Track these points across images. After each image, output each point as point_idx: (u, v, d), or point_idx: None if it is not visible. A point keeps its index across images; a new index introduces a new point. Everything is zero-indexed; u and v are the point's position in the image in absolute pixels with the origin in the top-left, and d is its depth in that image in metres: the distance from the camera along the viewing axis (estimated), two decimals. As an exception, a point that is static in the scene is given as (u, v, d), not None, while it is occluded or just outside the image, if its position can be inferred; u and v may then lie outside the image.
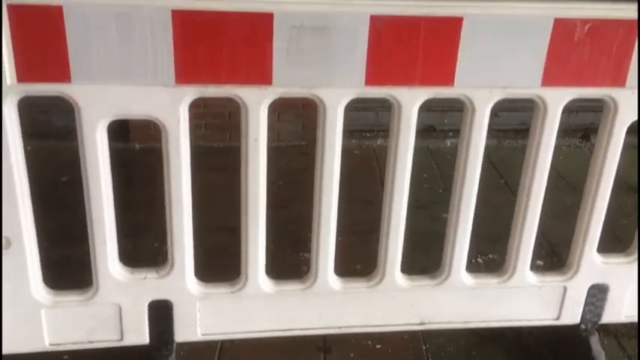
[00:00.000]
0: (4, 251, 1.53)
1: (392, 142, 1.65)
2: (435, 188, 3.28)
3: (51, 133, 3.48)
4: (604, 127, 1.68)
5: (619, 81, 1.57)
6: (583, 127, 3.68)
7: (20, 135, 1.46)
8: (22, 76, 1.37)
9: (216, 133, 3.68)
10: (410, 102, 1.58)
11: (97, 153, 1.52)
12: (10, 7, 1.31)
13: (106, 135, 1.52)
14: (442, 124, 3.78)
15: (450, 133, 3.73)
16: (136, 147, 3.61)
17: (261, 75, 1.49)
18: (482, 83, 1.56)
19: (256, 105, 1.54)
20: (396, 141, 1.64)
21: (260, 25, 1.45)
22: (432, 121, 3.74)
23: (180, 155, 1.57)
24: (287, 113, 3.66)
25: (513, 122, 3.70)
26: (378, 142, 3.75)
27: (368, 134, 3.77)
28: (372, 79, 1.54)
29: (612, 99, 1.60)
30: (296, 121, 3.70)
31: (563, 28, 1.50)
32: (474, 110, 1.60)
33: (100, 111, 1.46)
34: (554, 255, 2.63)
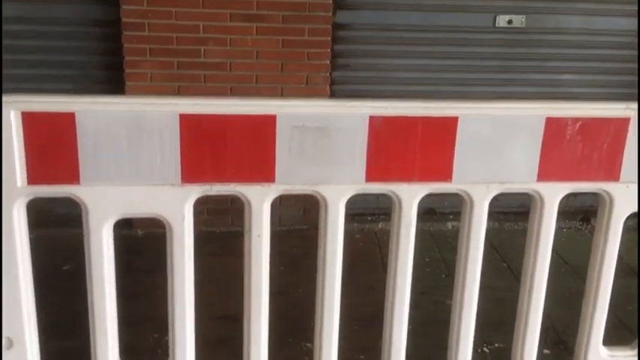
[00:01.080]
0: (4, 352, 1.52)
1: (393, 234, 1.68)
2: (438, 273, 3.27)
3: (53, 221, 3.50)
4: (601, 219, 1.70)
5: (613, 176, 1.61)
6: (583, 209, 3.71)
7: (27, 235, 1.49)
8: (33, 179, 1.41)
9: (219, 218, 3.70)
10: (409, 197, 1.62)
11: (102, 249, 1.54)
12: (25, 114, 1.37)
13: (111, 232, 1.55)
14: (442, 207, 3.82)
15: (451, 216, 3.76)
16: (139, 233, 3.63)
17: (265, 173, 1.54)
18: (479, 179, 1.60)
19: (259, 202, 1.57)
20: (397, 234, 1.66)
21: (263, 127, 1.51)
22: (433, 204, 3.77)
23: (184, 251, 1.59)
24: (289, 198, 3.70)
25: (513, 205, 3.73)
26: (380, 226, 3.77)
27: (369, 217, 3.80)
28: (372, 175, 1.58)
29: (607, 193, 1.63)
30: (297, 206, 3.73)
31: (555, 127, 1.56)
32: (472, 204, 1.64)
33: (107, 211, 1.49)
34: (560, 343, 2.58)
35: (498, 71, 3.59)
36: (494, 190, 1.61)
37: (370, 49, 3.51)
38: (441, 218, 3.77)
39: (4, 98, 1.35)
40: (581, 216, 3.77)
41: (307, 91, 3.39)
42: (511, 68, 3.59)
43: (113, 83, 3.33)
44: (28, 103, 1.36)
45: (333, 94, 3.47)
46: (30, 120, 1.37)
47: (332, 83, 3.46)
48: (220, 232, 3.72)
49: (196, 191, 1.53)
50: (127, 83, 3.24)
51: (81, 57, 3.31)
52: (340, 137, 1.53)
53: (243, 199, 1.57)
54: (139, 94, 3.24)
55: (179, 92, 3.29)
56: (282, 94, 3.38)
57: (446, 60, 3.55)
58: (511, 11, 3.49)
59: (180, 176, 1.50)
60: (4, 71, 3.24)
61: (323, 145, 1.54)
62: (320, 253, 1.66)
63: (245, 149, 1.51)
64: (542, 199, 1.63)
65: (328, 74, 3.41)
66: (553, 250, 1.72)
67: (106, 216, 1.50)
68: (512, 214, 3.78)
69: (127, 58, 3.21)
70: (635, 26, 3.53)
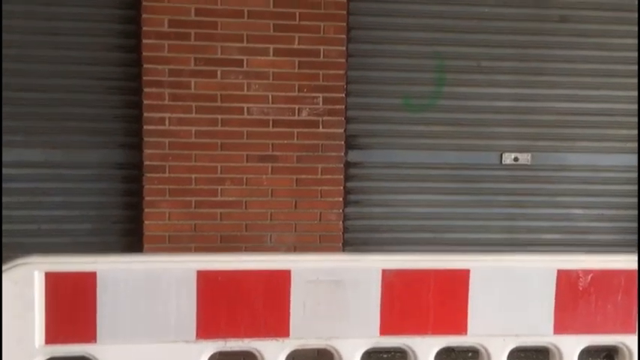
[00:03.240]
0: None
1: (410, 390, 1.64)
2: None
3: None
4: (623, 372, 1.66)
5: (629, 328, 1.60)
6: (606, 347, 3.59)
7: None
8: (50, 338, 1.43)
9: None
10: (425, 351, 1.60)
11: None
12: (49, 275, 1.42)
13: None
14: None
15: (470, 354, 3.65)
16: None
17: (279, 329, 1.55)
18: (495, 332, 1.59)
19: (274, 357, 1.56)
20: (414, 389, 1.62)
21: (278, 282, 1.54)
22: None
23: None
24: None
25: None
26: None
27: None
28: (386, 329, 1.58)
29: (626, 347, 1.61)
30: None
31: (566, 279, 1.58)
32: (489, 357, 1.61)
33: (121, 369, 1.49)
34: None
35: (508, 206, 3.66)
36: (511, 344, 1.60)
37: (381, 185, 3.61)
38: (460, 356, 3.66)
39: (30, 259, 1.41)
40: (605, 353, 3.64)
41: (320, 227, 3.45)
42: (520, 203, 3.66)
43: (132, 222, 3.43)
44: (52, 264, 1.42)
45: (346, 230, 3.53)
46: (53, 280, 1.42)
47: (345, 219, 3.53)
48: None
49: (211, 347, 1.53)
50: (145, 222, 3.33)
51: (101, 198, 3.44)
52: (354, 291, 1.56)
53: (257, 354, 1.56)
54: (156, 233, 3.33)
55: (195, 230, 3.37)
56: (296, 230, 3.44)
57: (455, 195, 3.64)
58: (517, 149, 3.62)
59: (195, 332, 1.51)
60: (27, 212, 3.39)
61: (337, 299, 1.56)
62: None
63: (260, 304, 1.53)
64: (560, 354, 1.61)
65: (341, 211, 3.49)
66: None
67: (120, 375, 1.49)
68: (532, 352, 3.67)
69: (146, 198, 3.33)
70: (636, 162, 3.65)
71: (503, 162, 3.62)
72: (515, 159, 3.61)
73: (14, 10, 3.27)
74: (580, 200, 3.68)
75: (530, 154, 3.62)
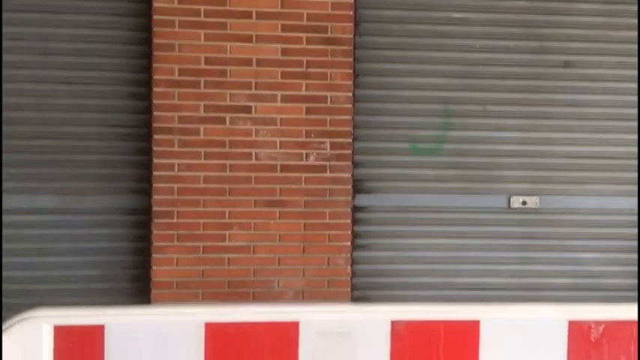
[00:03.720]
0: None
1: None
2: None
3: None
4: None
5: (645, 381, 1.57)
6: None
7: None
8: (57, 394, 1.42)
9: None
10: (436, 405, 1.57)
11: None
12: (57, 329, 1.42)
13: None
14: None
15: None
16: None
17: (287, 382, 1.53)
18: (506, 385, 1.56)
19: (282, 412, 1.54)
20: None
21: (287, 334, 1.53)
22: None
23: None
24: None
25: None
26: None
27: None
28: (396, 381, 1.56)
29: (641, 400, 1.57)
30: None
31: (579, 331, 1.56)
32: (502, 411, 1.58)
33: None
34: None
35: (516, 250, 3.64)
36: (523, 397, 1.57)
37: (389, 229, 3.61)
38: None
39: (38, 312, 1.41)
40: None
41: (328, 272, 3.44)
42: (529, 247, 3.64)
43: (140, 268, 3.43)
44: (60, 317, 1.42)
45: (354, 275, 3.51)
46: (61, 334, 1.42)
47: (353, 264, 3.52)
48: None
49: (218, 402, 1.51)
50: (153, 268, 3.34)
51: (111, 244, 3.46)
52: (363, 343, 1.54)
53: (265, 408, 1.54)
54: (164, 279, 3.33)
55: (203, 276, 3.36)
56: (304, 274, 3.43)
57: (463, 239, 3.62)
58: (525, 193, 3.63)
59: (202, 387, 1.50)
60: (37, 259, 3.40)
61: (346, 351, 1.54)
62: None
63: (269, 356, 1.52)
64: (575, 408, 1.57)
65: (349, 255, 3.48)
66: None
67: None
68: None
69: (154, 244, 3.34)
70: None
71: (511, 205, 3.61)
72: (524, 202, 3.61)
73: (30, 60, 3.37)
74: (590, 244, 3.66)
75: (538, 198, 3.62)
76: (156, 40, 3.32)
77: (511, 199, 3.62)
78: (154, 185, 3.34)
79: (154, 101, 3.33)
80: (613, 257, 3.67)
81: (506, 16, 3.58)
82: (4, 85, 3.34)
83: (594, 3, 3.62)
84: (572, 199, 3.65)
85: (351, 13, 3.43)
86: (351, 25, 3.44)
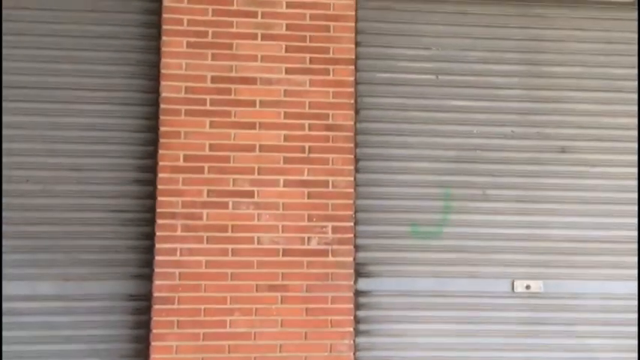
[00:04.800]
0: None
1: None
2: None
3: None
4: None
5: None
6: None
7: None
8: None
9: None
10: None
11: None
12: None
13: None
14: None
15: None
16: None
17: None
18: None
19: None
20: None
21: None
22: None
23: None
24: None
25: None
26: None
27: None
28: None
29: None
30: None
31: None
32: None
33: None
34: None
35: (522, 336, 3.57)
36: None
37: (392, 314, 3.56)
38: None
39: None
40: None
41: (331, 359, 3.37)
42: (535, 333, 3.57)
43: (139, 357, 3.37)
44: None
45: (357, 362, 3.45)
46: None
47: (356, 350, 3.45)
48: None
49: None
50: (152, 356, 3.28)
51: (110, 331, 3.41)
52: None
53: None
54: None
55: (203, 364, 3.31)
56: (306, 360, 3.37)
57: (467, 324, 3.56)
58: (528, 277, 3.60)
59: None
60: (36, 347, 3.35)
61: None
62: None
63: None
64: None
65: (352, 341, 3.42)
66: None
67: None
68: None
69: (154, 331, 3.30)
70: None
71: (515, 290, 3.58)
72: (527, 287, 3.58)
73: (37, 147, 3.46)
74: (597, 330, 3.59)
75: (542, 282, 3.59)
76: (162, 128, 3.42)
77: (515, 284, 3.59)
78: (156, 270, 3.34)
79: (159, 186, 3.39)
80: (621, 343, 3.60)
81: (503, 104, 3.70)
82: (12, 172, 3.43)
83: (588, 91, 3.74)
84: (576, 283, 3.61)
85: (352, 101, 3.55)
86: (352, 112, 3.54)
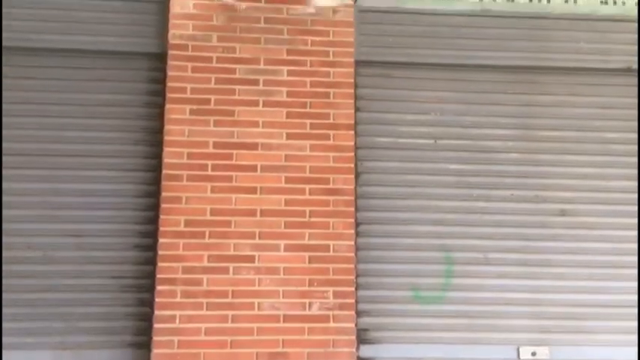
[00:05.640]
0: None
1: None
2: None
3: None
4: None
5: None
6: None
7: None
8: None
9: None
10: None
11: None
12: None
13: None
14: None
15: None
16: None
17: None
18: None
19: None
20: None
21: None
22: None
23: None
24: None
25: None
26: None
27: None
28: None
29: None
30: None
31: None
32: None
33: None
34: None
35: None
36: None
37: (396, 381, 3.48)
38: None
39: None
40: None
41: None
42: (543, 401, 3.49)
43: None
44: None
45: None
46: None
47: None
48: None
49: None
50: None
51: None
52: None
53: None
54: None
55: None
56: None
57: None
58: (534, 343, 3.53)
59: None
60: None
61: None
62: None
63: None
64: None
65: (355, 412, 3.33)
66: None
67: None
68: None
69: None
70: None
71: (520, 356, 3.50)
72: (533, 353, 3.50)
73: (38, 214, 3.47)
74: (606, 398, 3.51)
75: (548, 348, 3.52)
76: (164, 194, 3.44)
77: (520, 350, 3.51)
78: (154, 339, 3.28)
79: (159, 252, 3.38)
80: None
81: (501, 167, 3.74)
82: (12, 239, 3.42)
83: (584, 155, 3.79)
84: (584, 349, 3.54)
85: (352, 165, 3.59)
86: (352, 176, 3.57)
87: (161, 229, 3.40)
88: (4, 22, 3.60)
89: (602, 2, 3.89)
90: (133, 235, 3.49)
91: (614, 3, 3.90)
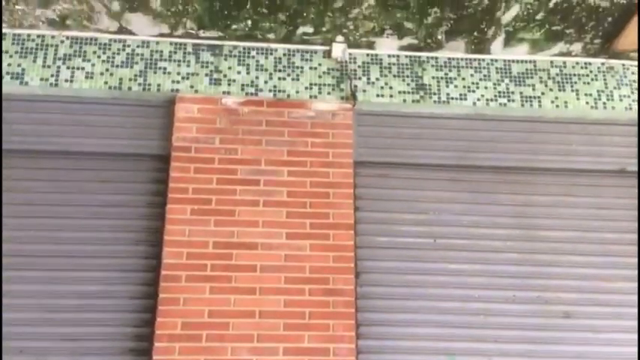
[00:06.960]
0: None
1: None
2: None
3: None
4: None
5: None
6: None
7: None
8: None
9: None
10: None
11: None
12: None
13: None
14: None
15: None
16: None
17: None
18: None
19: None
20: None
21: None
22: None
23: None
24: None
25: None
26: None
27: None
28: None
29: None
30: None
31: None
32: None
33: None
34: None
35: None
36: None
37: None
38: None
39: None
40: None
41: None
42: None
43: None
44: None
45: None
46: None
47: None
48: None
49: None
50: None
51: None
52: None
53: None
54: None
55: None
56: None
57: None
58: None
59: None
60: None
61: None
62: None
63: None
64: None
65: None
66: None
67: None
68: None
69: None
70: None
71: None
72: None
73: (32, 317, 3.39)
74: None
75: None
76: (162, 295, 3.38)
77: None
78: None
79: (154, 357, 3.27)
80: None
81: (501, 267, 3.71)
82: (6, 343, 3.33)
83: (583, 255, 3.78)
84: None
85: (352, 265, 3.56)
86: (352, 276, 3.54)
87: (157, 332, 3.32)
88: (4, 126, 3.66)
89: (592, 107, 4.03)
90: (127, 339, 3.40)
91: (604, 107, 4.03)
